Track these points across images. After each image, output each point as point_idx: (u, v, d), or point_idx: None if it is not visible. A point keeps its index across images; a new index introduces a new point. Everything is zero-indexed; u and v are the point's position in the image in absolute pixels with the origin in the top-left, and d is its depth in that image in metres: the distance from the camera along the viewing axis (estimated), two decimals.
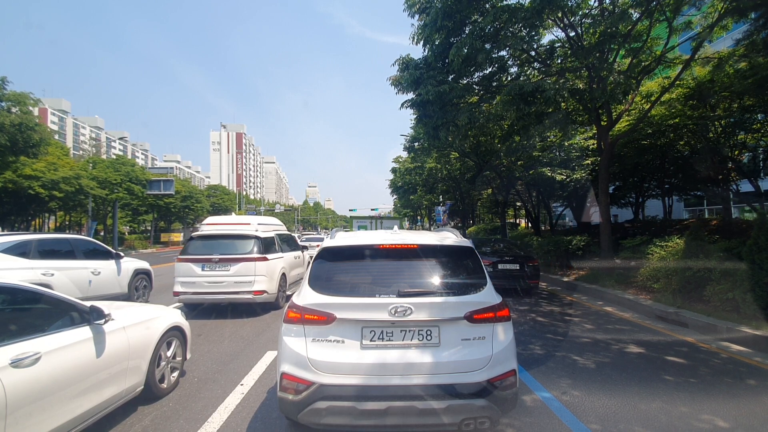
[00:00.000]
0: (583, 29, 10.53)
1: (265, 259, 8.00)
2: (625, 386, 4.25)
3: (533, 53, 11.45)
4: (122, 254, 8.89)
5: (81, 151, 52.97)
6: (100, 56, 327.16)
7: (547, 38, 14.54)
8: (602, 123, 11.57)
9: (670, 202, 17.07)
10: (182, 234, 44.77)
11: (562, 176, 14.81)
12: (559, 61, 11.76)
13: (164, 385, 4.04)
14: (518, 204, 27.14)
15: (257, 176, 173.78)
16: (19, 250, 6.66)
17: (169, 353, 4.17)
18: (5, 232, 7.47)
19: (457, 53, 9.48)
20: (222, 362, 5.08)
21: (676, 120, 11.67)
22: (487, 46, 9.93)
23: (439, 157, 23.67)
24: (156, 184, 34.79)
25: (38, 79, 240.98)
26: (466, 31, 10.18)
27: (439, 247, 3.23)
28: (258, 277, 7.77)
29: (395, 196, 45.48)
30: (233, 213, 45.27)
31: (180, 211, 45.85)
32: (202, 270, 7.71)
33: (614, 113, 11.67)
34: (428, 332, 2.76)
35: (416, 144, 23.66)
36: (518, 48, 10.55)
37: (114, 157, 44.23)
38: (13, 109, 20.28)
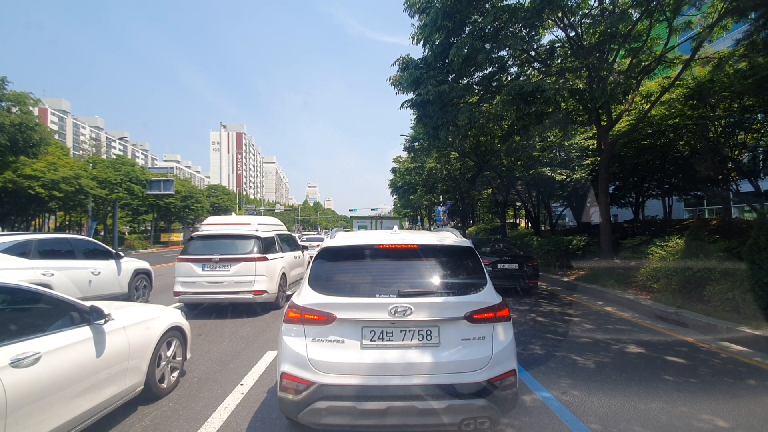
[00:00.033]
0: (583, 29, 10.53)
1: (266, 259, 8.00)
2: (625, 386, 4.25)
3: (533, 53, 11.44)
4: (122, 254, 8.89)
5: (81, 151, 52.97)
6: (100, 56, 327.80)
7: (547, 38, 14.56)
8: (602, 123, 11.57)
9: (670, 202, 17.07)
10: (182, 234, 44.77)
11: (562, 176, 14.80)
12: (559, 61, 11.76)
13: (164, 385, 4.04)
14: (518, 204, 27.14)
15: (257, 176, 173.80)
16: (19, 250, 6.66)
17: (169, 353, 4.17)
18: (5, 232, 7.47)
19: (457, 53, 9.48)
20: (222, 362, 5.08)
21: (676, 120, 11.67)
22: (487, 46, 9.93)
23: (439, 157, 23.66)
24: (156, 184, 34.79)
25: (38, 79, 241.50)
26: (466, 31, 10.18)
27: (439, 247, 3.24)
28: (258, 277, 7.77)
29: (395, 196, 45.48)
30: (233, 213, 45.30)
31: (180, 211, 45.85)
32: (203, 270, 7.71)
33: (614, 113, 11.67)
34: (428, 332, 2.76)
35: (416, 144, 23.65)
36: (518, 48, 10.55)
37: (114, 157, 44.23)
38: (13, 109, 20.29)
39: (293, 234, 12.63)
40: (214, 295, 7.71)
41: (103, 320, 3.30)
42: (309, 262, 3.41)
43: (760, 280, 5.92)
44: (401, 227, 7.66)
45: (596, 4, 10.41)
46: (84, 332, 3.11)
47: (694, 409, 3.70)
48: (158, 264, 17.70)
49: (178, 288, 7.71)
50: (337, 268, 3.13)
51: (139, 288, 9.08)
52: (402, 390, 2.60)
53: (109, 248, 8.72)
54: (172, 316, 4.34)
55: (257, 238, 8.08)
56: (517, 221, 32.89)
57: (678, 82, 10.96)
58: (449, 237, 3.56)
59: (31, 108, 21.29)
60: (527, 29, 10.29)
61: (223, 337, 6.30)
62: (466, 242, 3.35)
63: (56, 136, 45.25)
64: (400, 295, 2.81)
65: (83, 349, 3.03)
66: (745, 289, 6.25)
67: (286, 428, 3.34)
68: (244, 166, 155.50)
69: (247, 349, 5.60)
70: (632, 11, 9.42)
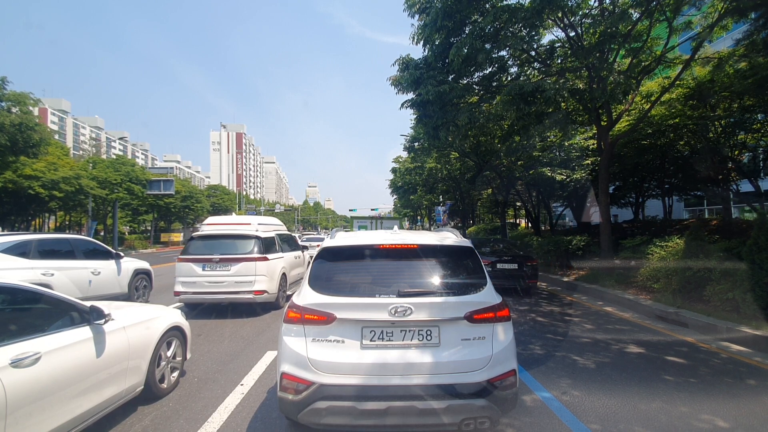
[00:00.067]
0: (583, 29, 10.53)
1: (266, 259, 8.01)
2: (625, 386, 4.25)
3: (533, 53, 11.45)
4: (122, 254, 8.89)
5: (81, 151, 52.97)
6: (100, 56, 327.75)
7: (547, 38, 14.50)
8: (602, 123, 11.57)
9: (670, 202, 17.07)
10: (182, 234, 44.77)
11: (562, 176, 14.80)
12: (559, 61, 11.76)
13: (164, 385, 4.04)
14: (518, 204, 27.15)
15: (257, 176, 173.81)
16: (19, 250, 6.66)
17: (169, 353, 4.17)
18: (5, 232, 7.47)
19: (457, 53, 9.49)
20: (222, 362, 5.08)
21: (676, 120, 11.67)
22: (487, 46, 9.93)
23: (439, 157, 23.67)
24: (156, 184, 34.79)
25: (38, 79, 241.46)
26: (466, 31, 10.18)
27: (439, 247, 3.24)
28: (258, 276, 7.77)
29: (395, 196, 45.47)
30: (233, 213, 45.32)
31: (180, 211, 45.85)
32: (203, 270, 7.71)
33: (614, 113, 11.67)
34: (428, 332, 2.76)
35: (416, 144, 23.66)
36: (518, 48, 10.55)
37: (114, 157, 44.23)
38: (13, 109, 20.28)
39: (293, 234, 12.62)
40: (215, 295, 7.71)
41: (103, 320, 3.30)
42: (309, 262, 3.41)
43: (760, 280, 5.92)
44: (401, 227, 7.67)
45: (596, 4, 10.41)
46: (84, 332, 3.11)
47: (694, 409, 3.70)
48: (158, 264, 17.70)
49: (179, 288, 7.71)
50: (337, 268, 3.13)
51: (139, 288, 9.08)
52: (402, 390, 2.60)
53: (109, 248, 8.72)
54: (172, 316, 4.34)
55: (257, 238, 8.08)
56: (517, 221, 32.88)
57: (678, 82, 10.96)
58: (449, 237, 3.56)
59: (31, 108, 21.28)
60: (527, 29, 10.29)
61: (223, 337, 6.30)
62: (466, 242, 3.35)
63: (56, 136, 45.25)
64: (400, 295, 2.81)
65: (83, 349, 3.03)
66: (745, 289, 6.25)
67: (286, 428, 3.34)
68: (244, 166, 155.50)
69: (247, 349, 5.60)
70: (632, 11, 9.42)
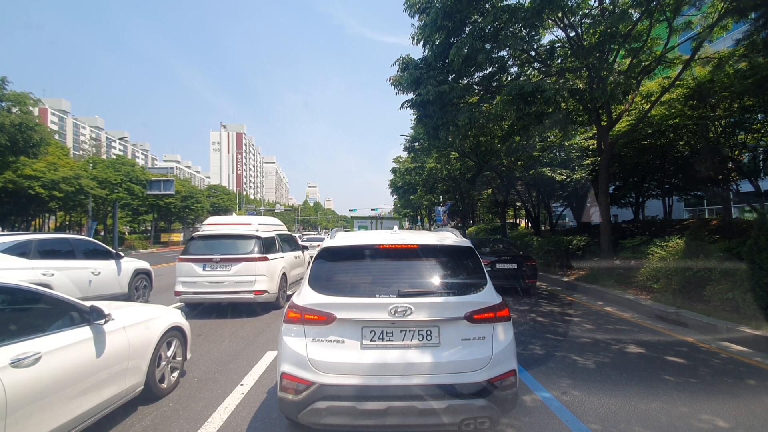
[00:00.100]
0: (583, 29, 10.53)
1: (266, 259, 8.01)
2: (625, 386, 4.25)
3: (533, 53, 11.44)
4: (122, 254, 8.88)
5: (81, 151, 52.96)
6: (100, 56, 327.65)
7: (547, 38, 14.47)
8: (602, 123, 11.57)
9: (670, 202, 17.07)
10: (182, 234, 44.77)
11: (562, 176, 14.80)
12: (559, 61, 11.76)
13: (164, 385, 4.04)
14: (518, 204, 27.14)
15: (257, 176, 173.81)
16: (19, 250, 6.66)
17: (169, 353, 4.17)
18: (5, 232, 7.47)
19: (457, 53, 9.49)
20: (222, 362, 5.08)
21: (676, 120, 11.67)
22: (487, 46, 9.93)
23: (439, 157, 23.66)
24: (156, 184, 34.81)
25: (38, 79, 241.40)
26: (466, 31, 10.18)
27: (439, 247, 3.24)
28: (259, 276, 7.78)
29: (395, 196, 45.47)
30: (233, 213, 45.39)
31: (180, 211, 45.84)
32: (203, 270, 7.71)
33: (614, 113, 11.67)
34: (428, 332, 2.76)
35: (416, 144, 23.67)
36: (518, 48, 10.55)
37: (114, 157, 44.23)
38: (13, 109, 20.28)
39: (293, 234, 12.62)
40: (215, 295, 7.72)
41: (103, 320, 3.30)
42: (309, 262, 3.41)
43: (760, 280, 5.92)
44: (401, 227, 7.67)
45: (596, 4, 10.41)
46: (84, 332, 3.11)
47: (694, 409, 3.70)
48: (158, 264, 17.70)
49: (179, 288, 7.72)
50: (337, 268, 3.13)
51: (139, 288, 9.08)
52: (402, 390, 2.60)
53: (109, 248, 8.72)
54: (172, 316, 4.34)
55: (258, 238, 8.09)
56: (517, 221, 32.88)
57: (678, 82, 10.96)
58: (449, 237, 3.56)
59: (31, 108, 21.27)
60: (527, 29, 10.29)
61: (223, 337, 6.30)
62: (466, 242, 3.35)
63: (56, 136, 45.23)
64: (400, 295, 2.81)
65: (83, 349, 3.03)
66: (745, 289, 6.25)
67: (286, 428, 3.34)
68: (244, 166, 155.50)
69: (247, 349, 5.60)
70: (632, 11, 9.41)
